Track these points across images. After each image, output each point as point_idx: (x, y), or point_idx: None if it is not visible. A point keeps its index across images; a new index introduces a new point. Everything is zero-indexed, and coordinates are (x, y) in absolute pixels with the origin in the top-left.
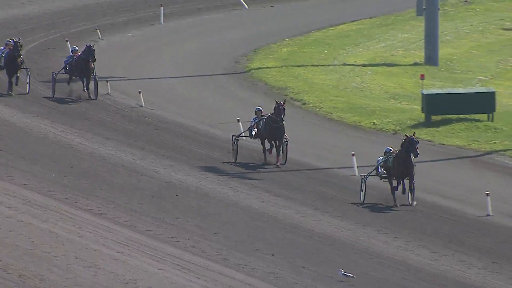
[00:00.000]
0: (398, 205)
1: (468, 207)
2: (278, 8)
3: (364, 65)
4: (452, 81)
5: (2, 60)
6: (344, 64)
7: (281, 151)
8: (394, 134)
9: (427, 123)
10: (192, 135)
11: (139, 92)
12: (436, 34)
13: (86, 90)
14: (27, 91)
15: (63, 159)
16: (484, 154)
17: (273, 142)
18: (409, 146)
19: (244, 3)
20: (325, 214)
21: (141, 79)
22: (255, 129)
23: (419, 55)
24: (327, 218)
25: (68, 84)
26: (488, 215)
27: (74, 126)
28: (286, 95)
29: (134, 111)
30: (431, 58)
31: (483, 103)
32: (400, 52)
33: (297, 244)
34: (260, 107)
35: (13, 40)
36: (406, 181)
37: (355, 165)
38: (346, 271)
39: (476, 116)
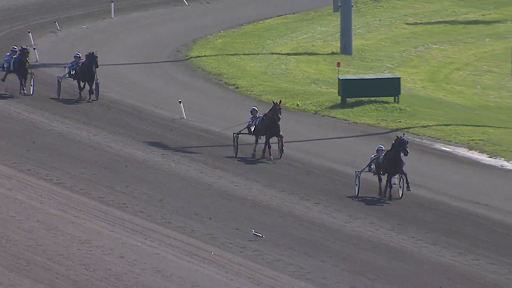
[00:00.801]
0: (382, 196)
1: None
2: (214, 4)
3: (288, 54)
4: (364, 68)
5: (12, 65)
6: (271, 53)
7: (278, 145)
8: (315, 114)
9: (343, 105)
10: (139, 114)
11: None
12: (350, 28)
13: (90, 94)
14: (31, 92)
15: (26, 136)
16: (391, 131)
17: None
18: (400, 145)
19: (185, 0)
20: (255, 183)
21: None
22: (253, 126)
23: (336, 45)
24: (257, 187)
25: (79, 89)
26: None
27: (35, 107)
28: (221, 80)
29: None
30: (346, 48)
31: (390, 87)
32: (320, 43)
33: (231, 209)
34: (255, 107)
35: (21, 47)
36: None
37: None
38: (256, 231)
39: (384, 99)
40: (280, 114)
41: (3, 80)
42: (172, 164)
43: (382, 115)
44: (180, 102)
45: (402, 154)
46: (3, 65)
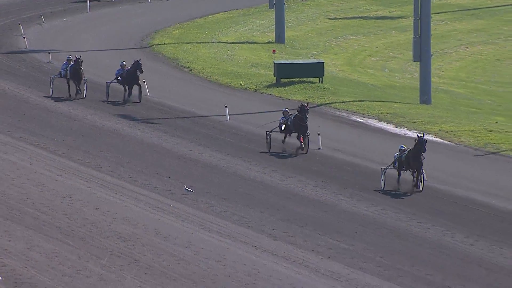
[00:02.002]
0: (399, 189)
1: (312, 145)
2: (172, 1)
3: (233, 43)
4: (294, 54)
5: (68, 73)
6: (219, 42)
7: (305, 142)
8: (255, 92)
9: (278, 84)
10: (112, 93)
11: None
12: (283, 21)
13: (130, 95)
14: (84, 96)
15: (18, 109)
16: (316, 106)
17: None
18: (419, 145)
19: None
20: (206, 148)
21: (74, 51)
22: (284, 125)
23: (271, 36)
24: (208, 152)
25: (125, 92)
26: (319, 148)
27: (25, 85)
28: (178, 63)
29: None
30: (280, 38)
31: (315, 70)
32: (258, 34)
33: (187, 170)
34: (286, 108)
35: (76, 57)
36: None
37: (227, 114)
38: (187, 187)
39: (311, 79)
40: (307, 114)
41: (68, 87)
42: (138, 133)
43: (309, 93)
44: (144, 82)
45: (422, 152)
46: (60, 73)
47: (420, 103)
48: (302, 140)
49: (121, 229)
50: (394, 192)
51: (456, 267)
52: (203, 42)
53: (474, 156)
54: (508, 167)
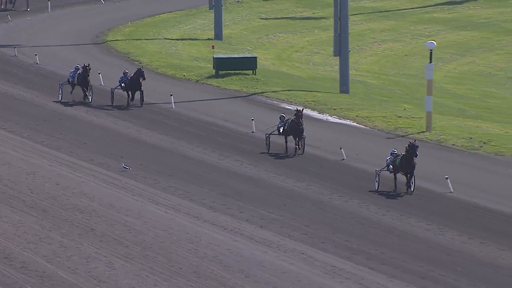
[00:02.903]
0: (396, 190)
1: (241, 126)
2: (123, 3)
3: (177, 39)
4: (231, 50)
5: (76, 79)
6: (165, 39)
7: (301, 144)
8: (196, 82)
9: (216, 76)
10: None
11: (35, 55)
12: (221, 21)
13: (133, 100)
14: (90, 100)
15: None
16: (250, 95)
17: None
18: (411, 149)
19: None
20: (154, 132)
21: (37, 46)
22: (282, 128)
23: (211, 33)
24: (156, 135)
25: (128, 97)
26: (252, 132)
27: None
28: (129, 57)
29: (32, 67)
30: (218, 36)
31: (249, 63)
32: (199, 31)
33: (137, 151)
34: (283, 114)
35: (84, 65)
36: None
37: (173, 101)
38: (125, 165)
39: (245, 72)
40: (302, 119)
41: (71, 92)
42: (94, 118)
43: (244, 83)
44: (99, 73)
45: (414, 157)
46: (68, 79)
47: (340, 92)
48: (298, 143)
49: (79, 202)
50: (317, 171)
51: (371, 235)
52: (151, 39)
53: (386, 138)
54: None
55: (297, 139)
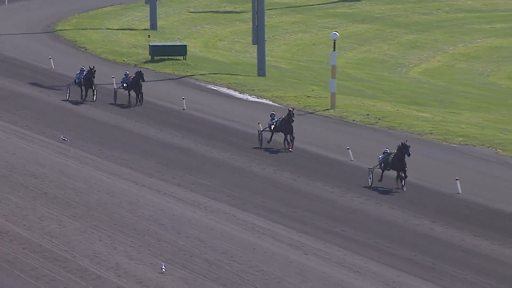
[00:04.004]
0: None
1: (173, 104)
2: None
3: (118, 29)
4: (164, 38)
5: (82, 80)
6: (107, 29)
7: (291, 140)
8: (135, 66)
9: (152, 61)
10: (25, 66)
11: None
12: (156, 13)
13: (137, 99)
14: (95, 99)
15: None
16: (181, 77)
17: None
18: (404, 149)
19: None
20: (98, 109)
21: None
22: (273, 125)
23: (147, 24)
24: (100, 111)
25: (129, 98)
26: (183, 109)
27: None
28: (76, 45)
29: None
30: (153, 26)
31: (180, 50)
32: (137, 22)
33: (84, 125)
34: (274, 112)
35: (89, 67)
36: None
37: (114, 82)
38: (64, 137)
39: (177, 57)
40: (293, 117)
41: (86, 94)
42: (45, 96)
43: (176, 67)
44: (50, 58)
45: (406, 156)
46: (75, 80)
47: (258, 75)
48: (287, 139)
49: (33, 169)
50: (239, 143)
51: (285, 197)
52: (95, 29)
53: (297, 115)
54: (320, 123)
55: (288, 135)
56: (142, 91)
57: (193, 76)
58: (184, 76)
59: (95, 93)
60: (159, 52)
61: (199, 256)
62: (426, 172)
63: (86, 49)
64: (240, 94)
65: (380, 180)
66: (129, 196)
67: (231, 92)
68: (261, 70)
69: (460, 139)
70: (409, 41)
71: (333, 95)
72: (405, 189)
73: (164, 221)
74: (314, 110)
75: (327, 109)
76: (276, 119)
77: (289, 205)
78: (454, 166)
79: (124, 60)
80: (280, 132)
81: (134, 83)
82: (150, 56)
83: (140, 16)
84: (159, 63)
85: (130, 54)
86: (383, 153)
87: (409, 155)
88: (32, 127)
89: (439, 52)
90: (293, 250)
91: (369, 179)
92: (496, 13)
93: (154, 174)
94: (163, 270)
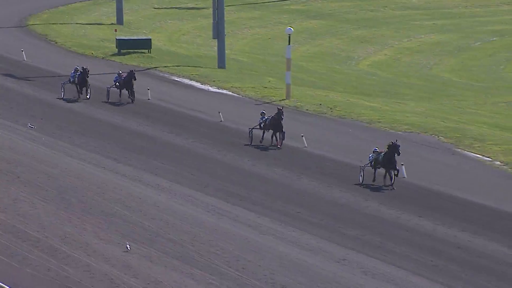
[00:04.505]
0: (374, 181)
1: (139, 94)
2: None
3: (86, 24)
4: (130, 33)
5: (76, 79)
6: (76, 23)
7: (280, 137)
8: (102, 59)
9: (119, 54)
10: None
11: None
12: (122, 9)
13: (129, 97)
14: (88, 97)
15: None
16: (146, 69)
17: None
18: (394, 149)
19: None
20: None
21: None
22: (263, 124)
23: (114, 19)
24: (85, 106)
25: (120, 96)
26: (148, 99)
27: None
28: (47, 38)
29: None
30: (120, 21)
31: (145, 44)
32: (104, 18)
33: (54, 114)
34: (264, 111)
35: (83, 67)
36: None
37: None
38: (32, 125)
39: (143, 50)
40: (283, 116)
41: (80, 92)
42: (18, 87)
43: (142, 60)
44: (22, 51)
45: (396, 155)
46: (69, 79)
47: (218, 67)
48: (276, 136)
49: (7, 155)
50: (200, 130)
51: (246, 181)
52: (65, 23)
53: (255, 104)
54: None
55: (278, 133)
56: (134, 89)
57: (158, 68)
58: (149, 68)
59: (89, 91)
60: (125, 46)
61: (164, 236)
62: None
63: (56, 43)
64: (201, 85)
65: (373, 180)
66: (98, 181)
67: (193, 83)
68: (221, 63)
69: (405, 127)
70: (358, 36)
71: (288, 86)
72: (395, 188)
73: (130, 203)
74: (270, 100)
75: (282, 99)
76: (266, 117)
77: (248, 189)
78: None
79: (92, 53)
80: (270, 130)
81: (127, 81)
82: (117, 49)
83: (107, 11)
84: (126, 56)
85: (98, 48)
86: (373, 152)
87: (399, 154)
88: (5, 116)
89: (386, 47)
90: (251, 230)
91: (359, 177)
92: (439, 11)
93: (121, 160)
94: (128, 248)
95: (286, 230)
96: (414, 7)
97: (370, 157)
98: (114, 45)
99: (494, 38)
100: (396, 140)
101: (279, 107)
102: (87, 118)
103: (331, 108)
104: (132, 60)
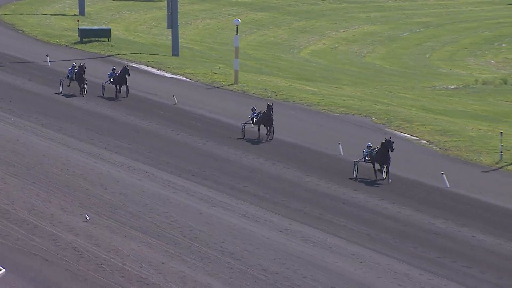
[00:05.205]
0: (377, 179)
1: (99, 79)
2: None
3: (51, 14)
4: (92, 23)
5: (74, 76)
6: (42, 14)
7: (271, 132)
8: (66, 46)
9: (81, 42)
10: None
11: None
12: (84, 1)
13: (120, 92)
14: (85, 92)
15: None
16: (106, 56)
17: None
18: (388, 145)
19: None
20: (35, 83)
21: None
22: (255, 119)
23: (76, 11)
24: (37, 85)
25: (116, 90)
26: (107, 82)
27: None
28: (14, 27)
29: None
30: (82, 12)
31: (105, 33)
32: (68, 9)
33: (28, 100)
34: (255, 106)
35: (80, 64)
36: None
37: (48, 61)
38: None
39: (103, 39)
40: (272, 111)
41: (68, 85)
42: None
43: (102, 48)
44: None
45: (389, 151)
46: (67, 75)
47: (172, 55)
48: (268, 130)
49: None
50: (156, 112)
51: (196, 158)
52: (31, 14)
53: (206, 89)
54: (225, 96)
55: (268, 127)
56: (128, 84)
57: (117, 55)
58: (109, 55)
59: (85, 87)
60: (87, 35)
61: (123, 208)
62: (313, 137)
63: (23, 32)
64: (157, 71)
65: (376, 178)
66: (63, 158)
67: (150, 69)
68: (175, 51)
69: (342, 109)
70: (299, 27)
71: (236, 72)
72: (390, 181)
73: (92, 178)
74: (220, 85)
75: (231, 84)
76: (257, 113)
77: (200, 165)
78: (337, 132)
79: (57, 41)
80: (261, 124)
81: (121, 77)
82: (79, 38)
83: (70, 3)
84: (87, 44)
85: (62, 36)
86: (367, 147)
87: (392, 150)
88: (23, 113)
89: (324, 37)
90: (203, 203)
91: (354, 171)
92: (372, 4)
93: (84, 139)
94: (87, 218)
95: (235, 203)
96: (350, 1)
97: (364, 152)
98: (77, 34)
99: (421, 29)
100: (390, 137)
101: (269, 103)
102: (51, 101)
103: (275, 92)
104: (93, 48)
